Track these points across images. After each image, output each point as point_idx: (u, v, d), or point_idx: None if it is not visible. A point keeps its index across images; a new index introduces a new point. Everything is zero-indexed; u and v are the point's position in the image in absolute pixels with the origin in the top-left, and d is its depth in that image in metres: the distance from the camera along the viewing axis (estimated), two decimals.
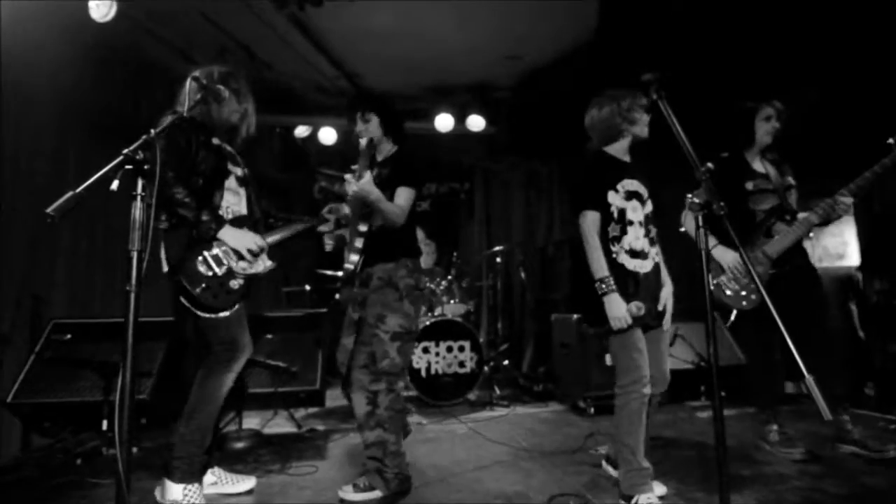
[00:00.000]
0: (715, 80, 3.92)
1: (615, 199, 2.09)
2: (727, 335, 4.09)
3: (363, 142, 2.31)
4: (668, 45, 3.71)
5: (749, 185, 2.65)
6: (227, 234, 2.06)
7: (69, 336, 3.20)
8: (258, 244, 2.13)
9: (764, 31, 3.65)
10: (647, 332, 2.08)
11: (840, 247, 6.02)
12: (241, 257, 2.09)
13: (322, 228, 2.44)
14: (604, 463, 2.39)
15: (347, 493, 2.13)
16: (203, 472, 2.11)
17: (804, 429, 3.03)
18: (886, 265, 2.54)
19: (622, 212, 2.08)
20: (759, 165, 2.72)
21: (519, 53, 4.42)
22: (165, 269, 2.02)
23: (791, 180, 2.71)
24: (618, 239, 2.07)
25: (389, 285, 2.17)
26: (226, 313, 2.03)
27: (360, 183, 2.02)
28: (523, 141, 5.53)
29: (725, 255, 2.58)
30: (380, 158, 2.38)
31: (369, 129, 2.32)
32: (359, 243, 2.15)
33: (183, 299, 2.00)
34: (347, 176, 2.07)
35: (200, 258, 2.00)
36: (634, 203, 2.11)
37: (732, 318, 2.56)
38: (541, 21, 3.92)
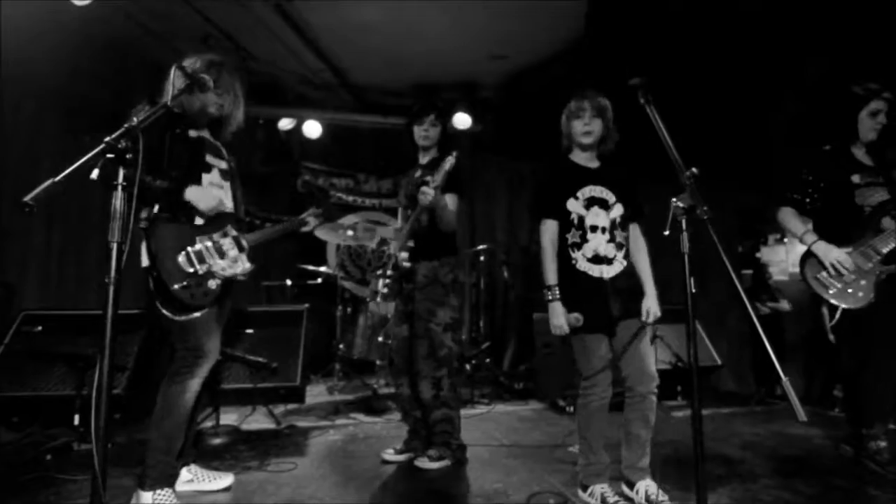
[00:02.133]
0: (704, 82, 3.98)
1: (574, 207, 2.12)
2: (704, 337, 4.18)
3: (424, 155, 2.66)
4: (655, 48, 3.75)
5: (856, 179, 2.47)
6: (193, 192, 1.95)
7: (40, 328, 3.12)
8: (213, 205, 2.01)
9: (757, 28, 3.68)
10: (623, 330, 2.08)
11: None
12: (221, 256, 2.04)
13: (305, 229, 2.47)
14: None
15: (423, 462, 2.44)
16: (175, 478, 2.05)
17: (777, 430, 3.12)
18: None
19: (581, 219, 2.11)
20: (865, 157, 2.54)
21: (505, 53, 4.43)
22: (146, 263, 1.94)
23: None
24: (578, 245, 2.10)
25: (435, 282, 2.48)
26: (196, 314, 1.95)
27: (437, 194, 2.26)
28: (508, 141, 5.55)
29: (829, 252, 2.39)
30: (424, 162, 2.66)
31: (432, 134, 2.61)
32: (410, 243, 2.40)
33: (155, 299, 1.92)
34: (425, 188, 2.24)
35: (183, 253, 1.93)
36: (596, 209, 2.11)
37: (838, 316, 2.38)
38: (528, 21, 3.93)
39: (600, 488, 2.02)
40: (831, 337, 5.03)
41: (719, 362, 4.15)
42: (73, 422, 2.66)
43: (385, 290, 2.46)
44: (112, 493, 2.04)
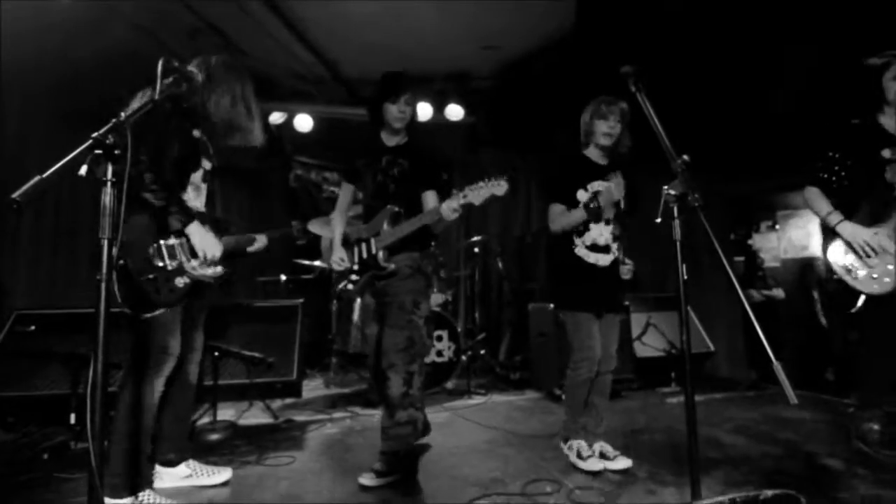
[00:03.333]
0: (694, 71, 3.98)
1: (583, 197, 2.34)
2: (697, 324, 4.22)
3: (391, 137, 2.39)
4: (645, 37, 3.74)
5: (886, 153, 2.32)
6: (195, 230, 1.95)
7: (33, 327, 3.10)
8: (216, 254, 2.01)
9: (747, 21, 3.67)
10: (603, 318, 2.37)
11: (804, 238, 6.26)
12: (194, 255, 1.99)
13: (255, 247, 2.31)
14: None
15: (367, 479, 2.17)
16: (150, 479, 2.02)
17: (770, 414, 3.17)
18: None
19: None
20: (894, 129, 2.38)
21: (497, 44, 4.40)
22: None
23: None
24: (580, 233, 2.33)
25: (419, 273, 2.32)
26: (157, 312, 1.88)
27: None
28: (502, 132, 5.53)
29: (857, 232, 2.26)
30: (391, 144, 2.40)
31: (408, 114, 2.33)
32: (395, 243, 2.26)
33: (118, 292, 1.82)
34: (454, 206, 2.14)
35: (154, 246, 1.88)
36: None
37: (860, 303, 2.26)
38: (519, 11, 3.90)
39: (577, 443, 2.33)
40: (823, 321, 5.10)
41: (712, 348, 4.19)
42: (70, 420, 2.66)
43: (350, 286, 2.36)
44: (109, 491, 2.04)
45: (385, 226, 2.28)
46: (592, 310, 2.32)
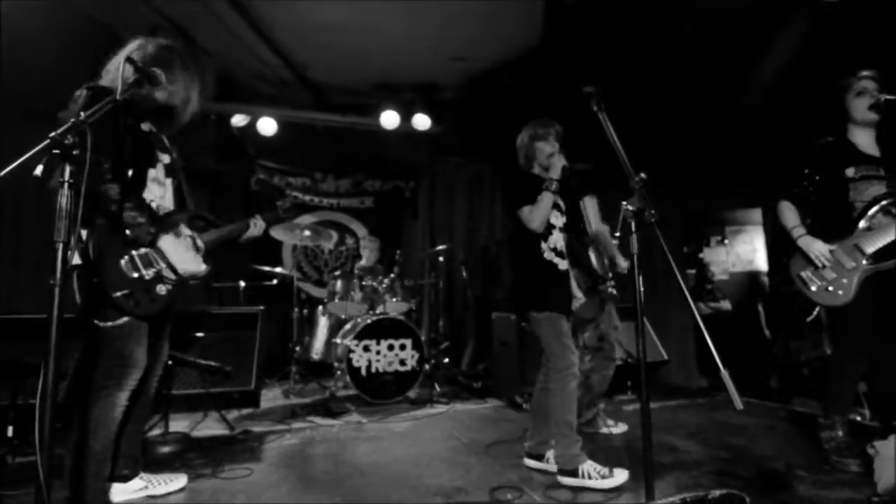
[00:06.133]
0: (653, 92, 4.17)
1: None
2: (652, 333, 4.38)
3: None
4: (607, 58, 3.90)
5: (850, 172, 2.34)
6: (168, 245, 1.88)
7: None
8: (196, 270, 1.95)
9: (703, 46, 3.88)
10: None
11: (750, 253, 6.62)
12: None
13: (249, 234, 2.33)
14: (525, 459, 2.48)
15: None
16: (107, 501, 1.92)
17: (719, 420, 3.32)
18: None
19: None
20: (873, 147, 2.40)
21: (464, 56, 4.48)
22: (77, 261, 1.75)
23: None
24: (544, 238, 2.39)
25: None
26: (123, 320, 1.78)
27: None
28: (467, 142, 5.61)
29: (811, 244, 2.37)
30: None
31: None
32: None
33: (78, 299, 1.76)
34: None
35: (127, 258, 1.79)
36: (555, 212, 2.43)
37: (815, 313, 2.41)
38: (487, 25, 3.99)
39: (586, 467, 2.20)
40: (767, 332, 5.37)
41: (666, 357, 4.35)
42: (7, 433, 2.49)
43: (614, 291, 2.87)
44: None
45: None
46: (567, 312, 2.37)
